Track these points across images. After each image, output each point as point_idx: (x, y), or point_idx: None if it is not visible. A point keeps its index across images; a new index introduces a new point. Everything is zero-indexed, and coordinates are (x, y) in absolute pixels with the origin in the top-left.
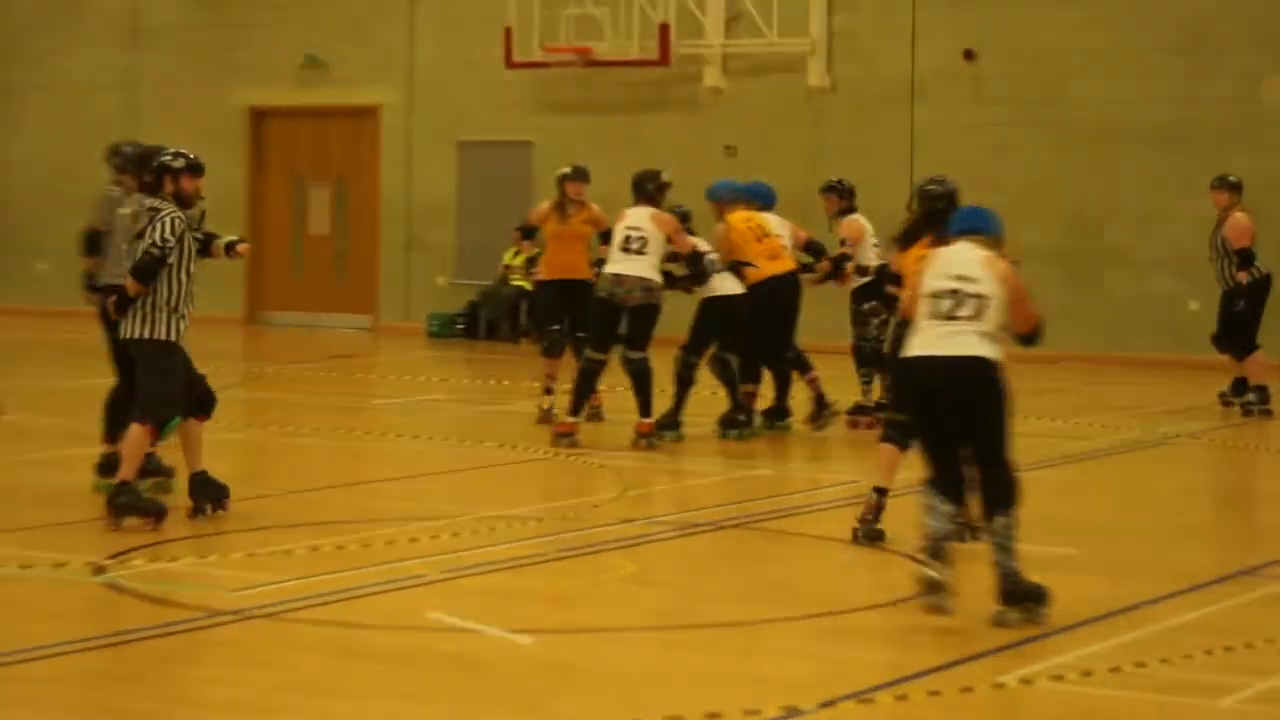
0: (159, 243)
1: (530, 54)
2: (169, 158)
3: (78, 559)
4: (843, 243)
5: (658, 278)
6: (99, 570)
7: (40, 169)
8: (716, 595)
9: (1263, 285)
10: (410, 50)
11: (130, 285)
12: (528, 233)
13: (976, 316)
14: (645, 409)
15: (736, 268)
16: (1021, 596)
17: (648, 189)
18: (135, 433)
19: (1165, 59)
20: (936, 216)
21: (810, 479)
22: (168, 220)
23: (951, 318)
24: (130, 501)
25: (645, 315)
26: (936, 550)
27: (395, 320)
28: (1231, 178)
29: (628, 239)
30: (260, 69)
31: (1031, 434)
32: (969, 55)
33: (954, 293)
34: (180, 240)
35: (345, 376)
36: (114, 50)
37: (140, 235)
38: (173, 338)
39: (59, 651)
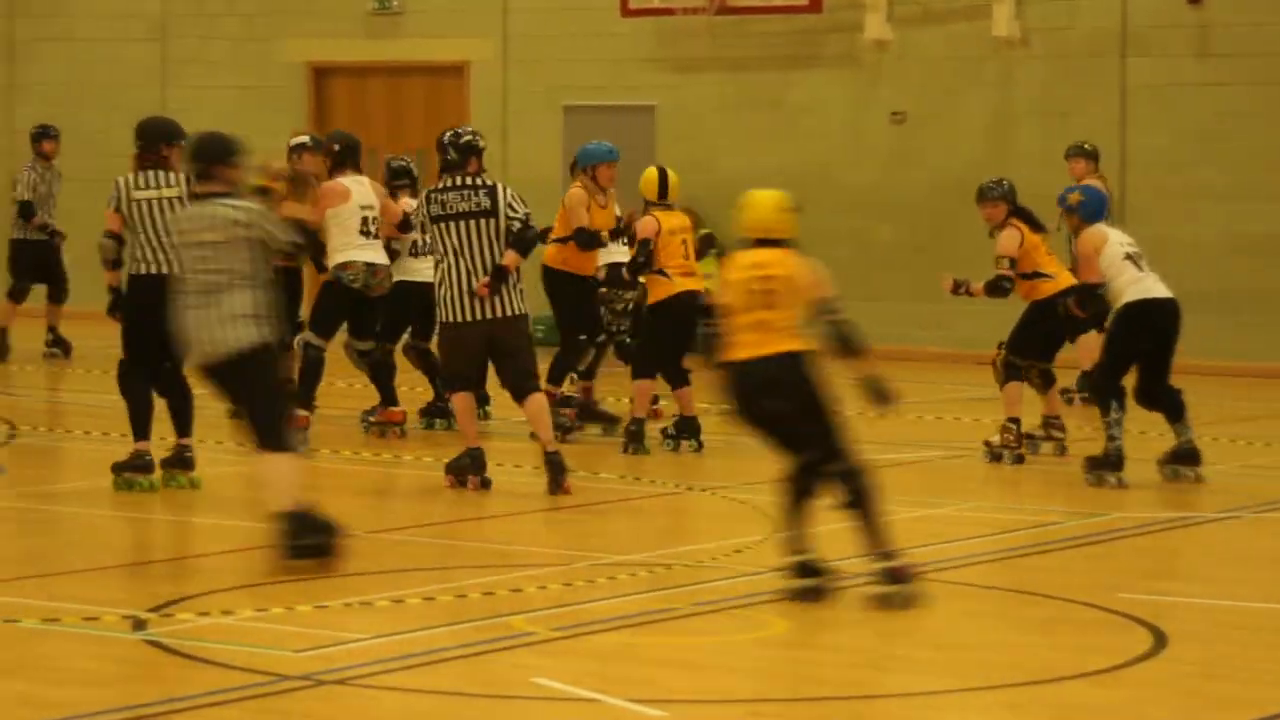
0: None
1: None
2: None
3: (112, 611)
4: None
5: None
6: (138, 625)
7: None
8: (886, 659)
9: None
10: None
11: (513, 259)
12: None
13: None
14: (389, 398)
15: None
16: None
17: (356, 156)
18: (543, 399)
19: None
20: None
21: (986, 520)
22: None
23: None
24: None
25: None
26: None
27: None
28: None
29: (365, 220)
30: (322, 17)
31: None
32: (1194, 0)
33: (1137, 254)
34: None
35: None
36: None
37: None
38: None
39: None
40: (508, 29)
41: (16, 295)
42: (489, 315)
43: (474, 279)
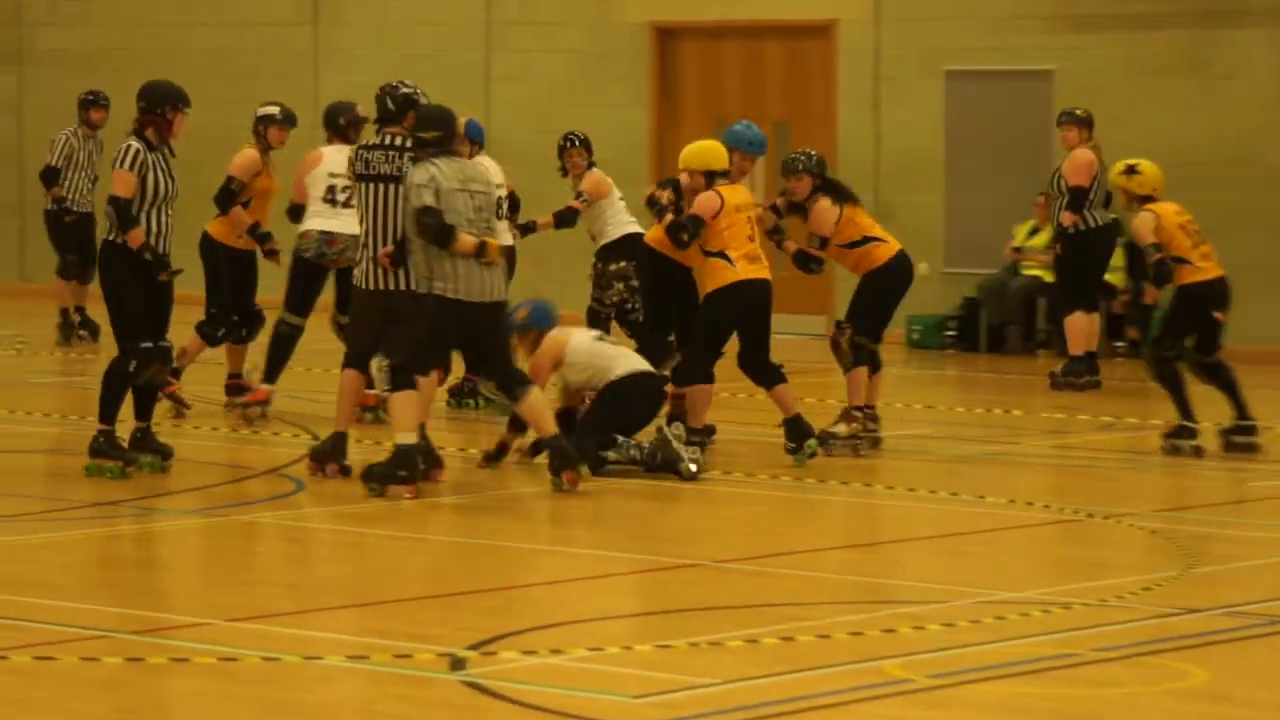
0: None
1: None
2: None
3: (426, 648)
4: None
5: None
6: (456, 664)
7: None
8: None
9: None
10: None
11: None
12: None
13: None
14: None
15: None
16: None
17: (339, 123)
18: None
19: None
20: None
21: None
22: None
23: None
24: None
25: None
26: None
27: None
28: None
29: (331, 189)
30: None
31: None
32: None
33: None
34: None
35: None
36: None
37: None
38: None
39: None
40: None
41: (64, 272)
42: (389, 287)
43: (380, 247)
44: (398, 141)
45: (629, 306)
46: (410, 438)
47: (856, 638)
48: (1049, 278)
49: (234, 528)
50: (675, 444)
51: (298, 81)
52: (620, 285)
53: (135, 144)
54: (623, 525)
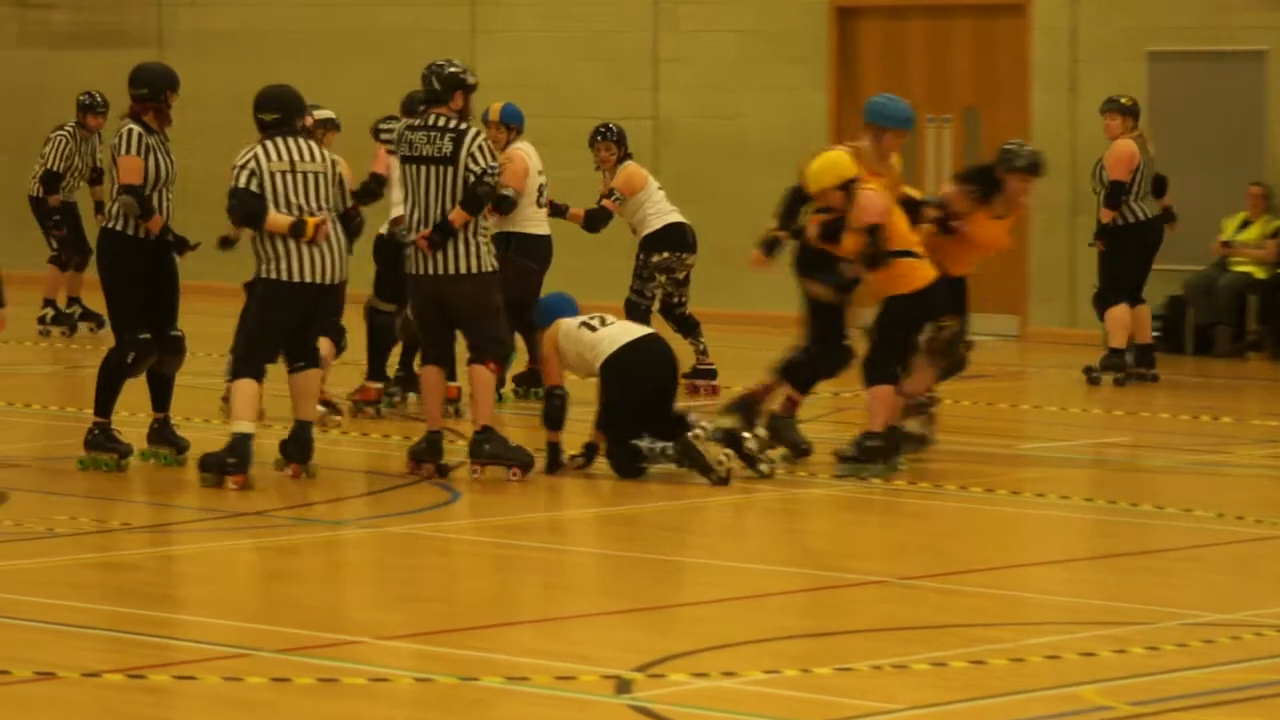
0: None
1: None
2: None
3: (589, 670)
4: None
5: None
6: (622, 687)
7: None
8: None
9: None
10: None
11: (459, 217)
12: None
13: None
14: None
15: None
16: None
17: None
18: (485, 375)
19: None
20: None
21: None
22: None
23: None
24: (496, 450)
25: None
26: None
27: (1053, 324)
28: None
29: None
30: None
31: None
32: None
33: None
34: None
35: (981, 406)
36: None
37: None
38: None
39: None
40: None
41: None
42: (433, 271)
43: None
44: (440, 122)
45: (675, 300)
46: (246, 427)
47: (1052, 661)
48: (1261, 274)
49: (385, 540)
50: (699, 447)
51: None
52: (663, 278)
53: (136, 128)
54: (796, 539)
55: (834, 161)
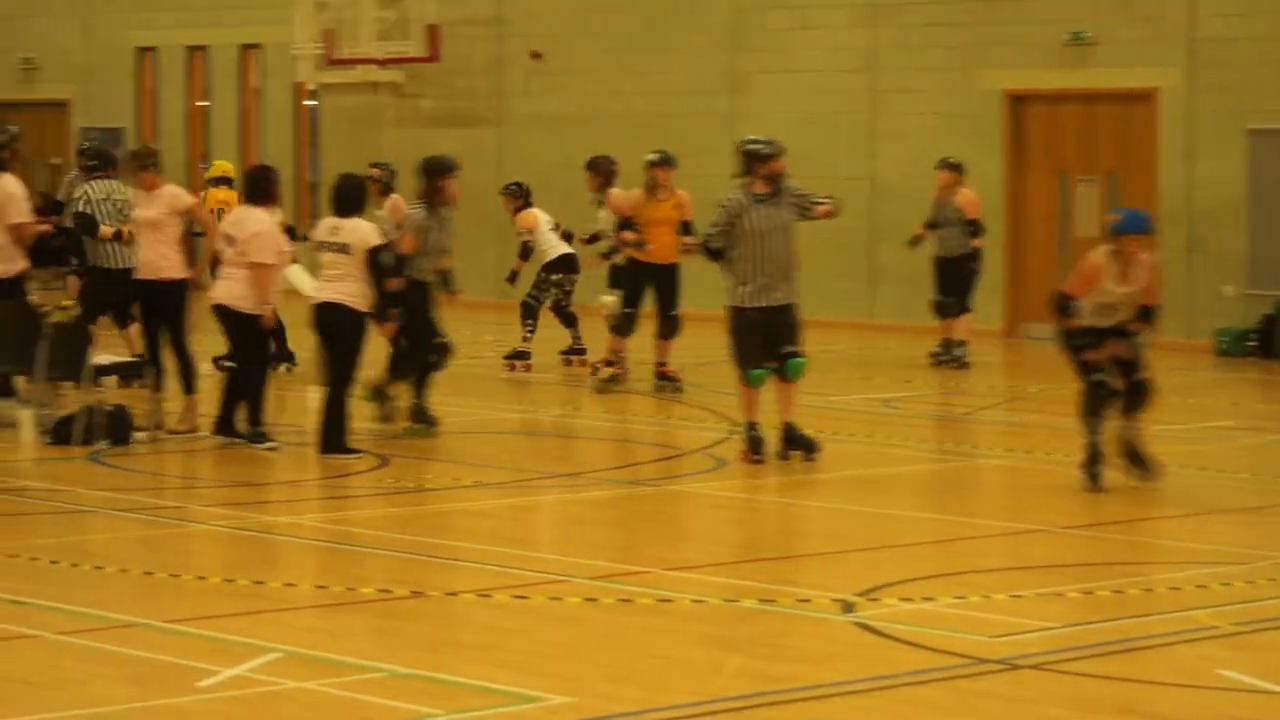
0: None
1: None
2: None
3: (823, 595)
4: None
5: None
6: (847, 608)
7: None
8: None
9: None
10: (1191, 24)
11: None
12: (623, 226)
13: None
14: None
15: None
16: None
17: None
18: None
19: None
20: None
21: None
22: None
23: None
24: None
25: None
26: None
27: (1175, 335)
28: None
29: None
30: (1018, 48)
31: None
32: None
33: None
34: None
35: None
36: (852, 29)
37: None
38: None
39: (815, 694)
40: (1196, 57)
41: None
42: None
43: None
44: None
45: (564, 304)
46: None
47: (1174, 592)
48: None
49: (665, 496)
50: None
51: (717, 140)
52: (555, 290)
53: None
54: (989, 497)
55: None
